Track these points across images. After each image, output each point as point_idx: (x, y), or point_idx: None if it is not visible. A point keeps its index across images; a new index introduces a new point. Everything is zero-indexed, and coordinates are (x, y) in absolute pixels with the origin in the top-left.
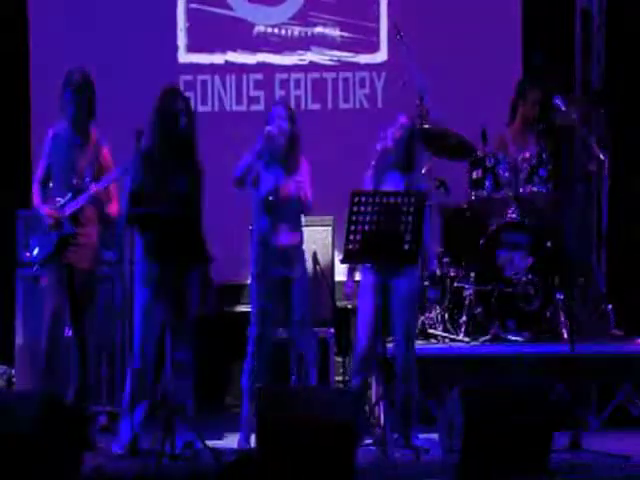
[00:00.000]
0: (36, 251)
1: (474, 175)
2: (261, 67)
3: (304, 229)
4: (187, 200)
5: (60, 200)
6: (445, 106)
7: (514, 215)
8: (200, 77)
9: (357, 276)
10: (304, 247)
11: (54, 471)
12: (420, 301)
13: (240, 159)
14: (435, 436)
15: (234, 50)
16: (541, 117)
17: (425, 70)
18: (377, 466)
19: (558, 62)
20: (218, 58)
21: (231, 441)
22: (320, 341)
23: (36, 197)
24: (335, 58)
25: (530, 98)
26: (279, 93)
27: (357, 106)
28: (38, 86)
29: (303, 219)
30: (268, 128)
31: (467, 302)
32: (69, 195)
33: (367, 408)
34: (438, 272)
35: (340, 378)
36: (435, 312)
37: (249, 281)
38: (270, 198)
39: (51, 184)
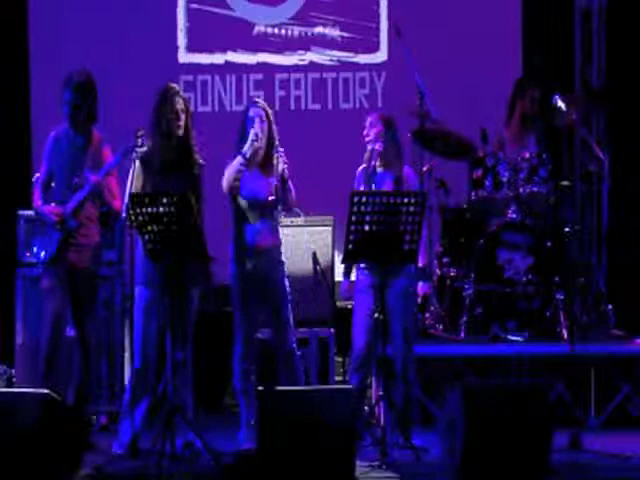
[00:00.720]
0: (42, 253)
1: (474, 175)
2: (261, 67)
3: (304, 229)
4: (187, 200)
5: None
6: (445, 106)
7: (514, 215)
8: (200, 77)
9: (353, 276)
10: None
11: (54, 471)
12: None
13: (228, 167)
14: (435, 436)
15: (234, 50)
16: (541, 117)
17: (425, 70)
18: (377, 466)
19: (558, 62)
20: (218, 58)
21: (231, 441)
22: (320, 341)
23: (37, 199)
24: (335, 58)
25: (528, 96)
26: (279, 93)
27: (357, 106)
28: (38, 86)
29: (301, 219)
30: (255, 131)
31: (467, 302)
32: (70, 194)
33: (367, 408)
34: (438, 272)
35: (340, 378)
36: (435, 312)
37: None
38: (252, 200)
39: (52, 184)
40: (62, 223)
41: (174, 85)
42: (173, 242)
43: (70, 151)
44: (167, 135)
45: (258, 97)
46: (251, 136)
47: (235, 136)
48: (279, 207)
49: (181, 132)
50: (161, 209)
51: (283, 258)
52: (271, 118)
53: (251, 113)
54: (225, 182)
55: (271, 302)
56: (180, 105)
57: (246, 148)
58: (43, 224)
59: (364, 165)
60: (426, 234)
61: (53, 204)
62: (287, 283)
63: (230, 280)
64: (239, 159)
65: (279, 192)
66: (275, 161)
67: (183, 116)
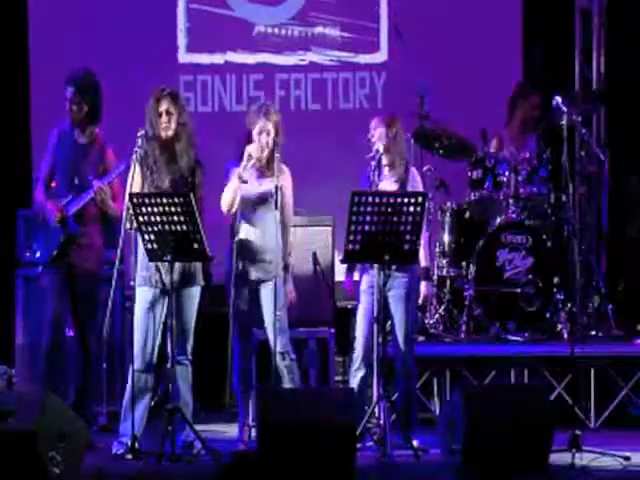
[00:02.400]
0: (39, 253)
1: (474, 175)
2: (261, 67)
3: (304, 229)
4: (186, 199)
5: (63, 200)
6: (445, 106)
7: (514, 215)
8: (200, 77)
9: (356, 275)
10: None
11: (54, 471)
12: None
13: (226, 187)
14: (435, 436)
15: (234, 50)
16: (541, 117)
17: (425, 70)
18: (377, 466)
19: (558, 62)
20: (218, 58)
21: (231, 441)
22: (320, 341)
23: (39, 194)
24: (335, 58)
25: (530, 101)
26: (279, 93)
27: (357, 106)
28: (38, 86)
29: (301, 219)
30: (249, 151)
31: (467, 302)
32: (71, 195)
33: (367, 408)
34: (438, 272)
35: (340, 378)
36: (435, 312)
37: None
38: (245, 200)
39: (53, 183)
40: (63, 224)
41: (163, 87)
42: (173, 242)
43: (73, 150)
44: (156, 137)
45: (266, 103)
46: (245, 156)
47: (235, 137)
48: (274, 209)
49: (168, 133)
50: (160, 209)
51: (279, 260)
52: (279, 127)
53: (260, 125)
54: (223, 204)
55: (263, 304)
56: (165, 106)
57: (241, 169)
58: (44, 220)
59: (369, 167)
60: (427, 235)
61: (51, 203)
62: (284, 285)
63: (224, 279)
64: (235, 181)
65: (266, 196)
66: (279, 167)
67: (166, 118)
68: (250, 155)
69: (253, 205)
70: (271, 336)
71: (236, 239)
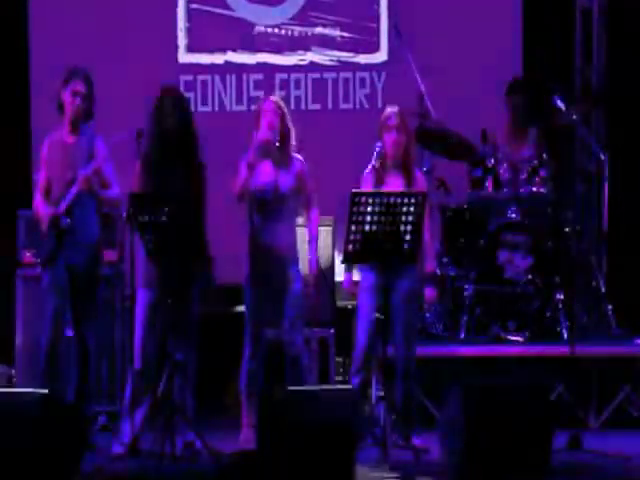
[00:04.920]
0: (40, 253)
1: (474, 175)
2: (261, 67)
3: (304, 229)
4: (188, 200)
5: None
6: (445, 106)
7: (514, 215)
8: (200, 77)
9: (355, 275)
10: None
11: (54, 471)
12: (420, 301)
13: (238, 174)
14: (435, 436)
15: (234, 50)
16: (529, 117)
17: (425, 70)
18: (377, 466)
19: (558, 62)
20: (218, 58)
21: (231, 441)
22: (320, 341)
23: (38, 204)
24: (335, 58)
25: (511, 103)
26: (279, 93)
27: (357, 106)
28: (38, 86)
29: (300, 219)
30: (258, 137)
31: (467, 302)
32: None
33: (367, 408)
34: (438, 272)
35: (340, 378)
36: (436, 312)
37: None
38: (260, 195)
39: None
40: (55, 224)
41: (168, 84)
42: (174, 243)
43: (62, 153)
44: (163, 136)
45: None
46: (255, 142)
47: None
48: (292, 204)
49: (173, 130)
50: (162, 210)
51: (297, 257)
52: (285, 111)
53: (265, 106)
54: (235, 188)
55: (280, 303)
56: (169, 104)
57: (250, 158)
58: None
59: (371, 165)
60: (429, 238)
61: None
62: (299, 284)
63: (243, 279)
64: (243, 166)
65: (279, 191)
66: (291, 157)
67: (178, 117)
68: (260, 140)
69: (268, 201)
70: (288, 337)
71: (252, 237)
